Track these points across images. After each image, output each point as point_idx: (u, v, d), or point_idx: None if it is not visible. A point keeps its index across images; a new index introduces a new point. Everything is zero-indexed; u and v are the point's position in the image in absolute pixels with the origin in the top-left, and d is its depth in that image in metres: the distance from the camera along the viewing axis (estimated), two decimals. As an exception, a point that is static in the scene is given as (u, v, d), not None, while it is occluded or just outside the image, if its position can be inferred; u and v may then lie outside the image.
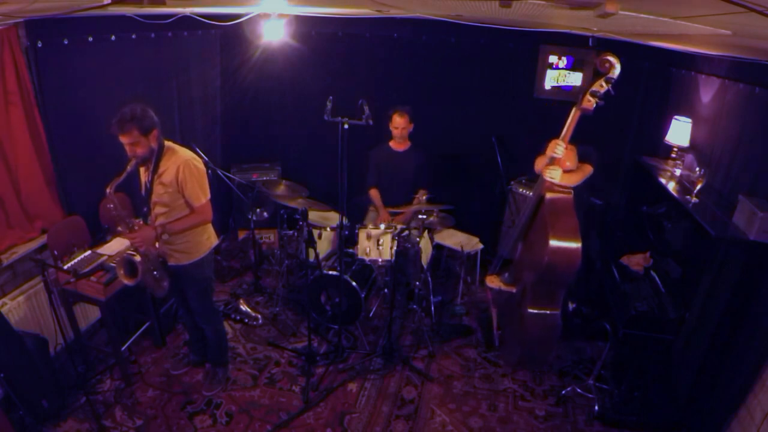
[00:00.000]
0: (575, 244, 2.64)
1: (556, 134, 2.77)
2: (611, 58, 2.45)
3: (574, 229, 2.67)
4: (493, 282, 3.44)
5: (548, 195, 2.78)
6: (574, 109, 2.63)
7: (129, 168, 2.53)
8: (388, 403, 3.20)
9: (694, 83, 3.60)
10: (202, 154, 2.85)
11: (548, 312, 2.82)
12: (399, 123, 3.95)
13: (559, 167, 2.76)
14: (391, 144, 4.13)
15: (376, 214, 4.13)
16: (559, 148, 2.70)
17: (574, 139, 3.01)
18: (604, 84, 2.51)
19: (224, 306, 4.01)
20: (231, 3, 3.24)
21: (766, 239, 2.42)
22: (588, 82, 2.57)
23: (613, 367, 3.41)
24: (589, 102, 2.55)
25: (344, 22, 4.59)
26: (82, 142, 3.24)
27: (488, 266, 3.73)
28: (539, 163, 2.98)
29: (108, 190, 2.48)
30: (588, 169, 3.01)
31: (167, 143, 2.69)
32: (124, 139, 2.49)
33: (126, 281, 2.65)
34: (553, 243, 2.63)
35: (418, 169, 4.07)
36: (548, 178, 2.76)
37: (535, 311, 2.82)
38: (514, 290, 3.25)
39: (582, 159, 3.04)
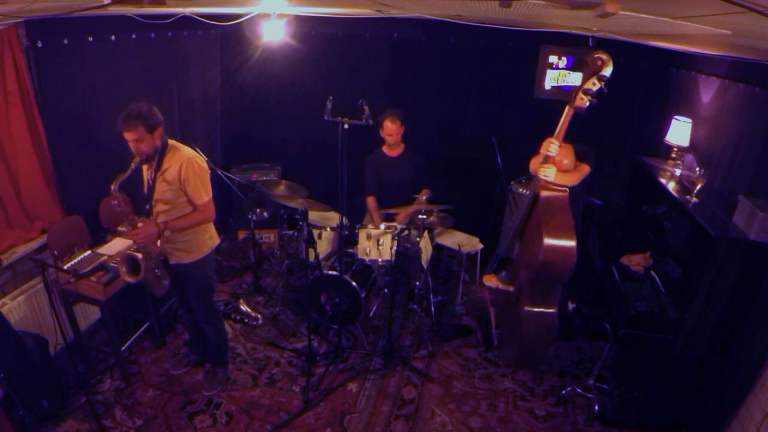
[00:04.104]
0: (570, 242, 2.64)
1: (556, 134, 2.77)
2: (603, 56, 2.44)
3: (568, 227, 2.66)
4: (491, 281, 3.44)
5: (543, 193, 2.77)
6: (567, 108, 2.62)
7: (133, 165, 2.53)
8: (388, 403, 3.20)
9: (694, 83, 3.60)
10: (203, 154, 2.86)
11: (545, 310, 2.82)
12: (391, 129, 3.88)
13: (554, 166, 2.76)
14: (385, 149, 4.07)
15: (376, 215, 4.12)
16: (553, 146, 2.69)
17: (573, 138, 3.01)
18: (596, 82, 2.49)
19: (224, 306, 4.01)
20: (231, 3, 3.24)
21: (766, 239, 2.42)
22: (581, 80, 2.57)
23: (613, 367, 3.42)
24: (582, 100, 2.53)
25: (344, 22, 4.59)
26: (82, 142, 3.25)
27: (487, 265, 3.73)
28: (534, 164, 2.98)
29: (112, 187, 2.48)
30: (585, 169, 3.01)
31: (171, 141, 2.70)
32: (128, 135, 2.50)
33: (128, 278, 2.65)
34: (548, 241, 2.63)
35: (415, 171, 4.05)
36: (543, 177, 2.76)
37: (532, 309, 2.82)
38: (511, 289, 3.25)
39: (579, 158, 3.04)
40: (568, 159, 2.96)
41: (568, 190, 2.78)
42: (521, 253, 3.11)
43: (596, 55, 2.46)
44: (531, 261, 2.78)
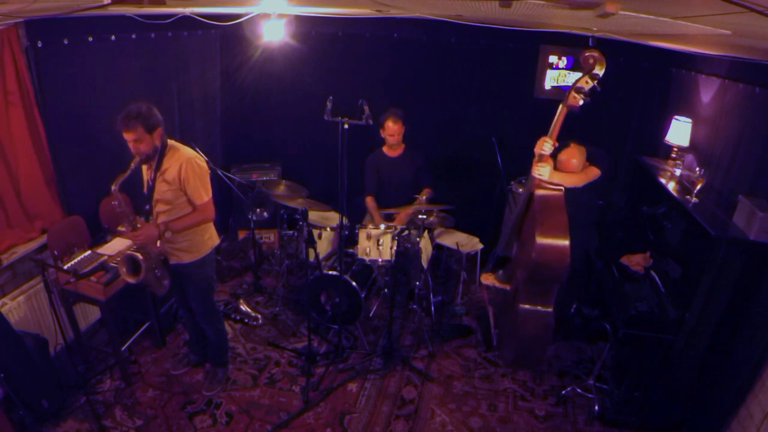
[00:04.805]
0: (563, 242, 2.62)
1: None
2: (595, 54, 2.43)
3: (562, 226, 2.64)
4: (488, 279, 3.43)
5: (537, 192, 2.77)
6: (560, 106, 2.61)
7: (133, 165, 2.54)
8: (388, 403, 3.20)
9: (694, 83, 3.60)
10: (202, 154, 2.86)
11: (541, 310, 2.81)
12: (393, 130, 3.88)
13: (548, 164, 2.75)
14: (385, 150, 4.07)
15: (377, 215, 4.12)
16: (546, 145, 2.68)
17: (570, 137, 3.00)
18: (589, 80, 2.48)
19: (224, 306, 4.01)
20: (231, 3, 3.24)
21: (766, 239, 2.42)
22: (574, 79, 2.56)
23: (613, 367, 3.42)
24: (575, 99, 2.52)
25: (344, 22, 4.59)
26: (82, 142, 3.25)
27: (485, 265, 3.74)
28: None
29: (113, 188, 2.49)
30: (594, 172, 2.96)
31: (170, 141, 2.70)
32: (128, 136, 2.50)
33: (129, 279, 2.65)
34: (540, 240, 2.62)
35: (416, 171, 4.05)
36: (536, 175, 2.75)
37: (528, 309, 2.82)
38: (508, 288, 3.25)
39: (590, 161, 3.01)
40: (576, 160, 2.95)
41: (563, 189, 2.77)
42: (518, 252, 3.11)
43: (587, 54, 2.45)
44: (526, 260, 2.77)
